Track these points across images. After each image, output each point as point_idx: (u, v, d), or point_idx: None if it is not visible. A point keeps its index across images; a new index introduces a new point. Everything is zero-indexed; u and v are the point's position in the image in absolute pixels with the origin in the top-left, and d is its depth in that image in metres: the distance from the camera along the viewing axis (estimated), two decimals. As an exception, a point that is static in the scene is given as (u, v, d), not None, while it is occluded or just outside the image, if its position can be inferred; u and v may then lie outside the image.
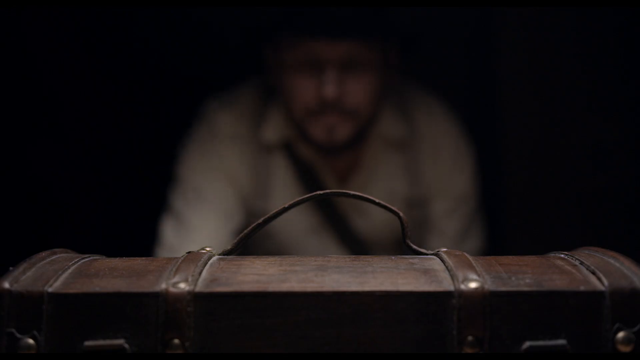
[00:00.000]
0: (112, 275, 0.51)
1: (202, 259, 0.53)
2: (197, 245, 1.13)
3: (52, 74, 1.47)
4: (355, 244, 1.24)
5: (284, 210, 0.57)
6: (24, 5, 1.31)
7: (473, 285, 0.49)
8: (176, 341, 0.48)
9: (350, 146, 1.19)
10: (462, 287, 0.49)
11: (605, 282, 0.50)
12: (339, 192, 0.59)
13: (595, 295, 0.49)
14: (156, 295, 0.48)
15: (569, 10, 1.51)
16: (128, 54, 1.55)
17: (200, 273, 0.51)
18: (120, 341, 0.48)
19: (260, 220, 0.57)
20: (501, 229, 1.55)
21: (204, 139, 1.24)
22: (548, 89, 1.60)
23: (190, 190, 1.21)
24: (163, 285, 0.49)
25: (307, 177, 1.23)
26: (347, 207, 1.25)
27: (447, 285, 0.49)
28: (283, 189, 1.23)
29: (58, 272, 0.51)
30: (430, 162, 1.27)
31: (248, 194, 1.23)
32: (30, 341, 0.48)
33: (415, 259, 0.55)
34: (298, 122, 1.17)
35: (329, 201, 1.24)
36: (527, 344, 0.48)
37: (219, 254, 0.57)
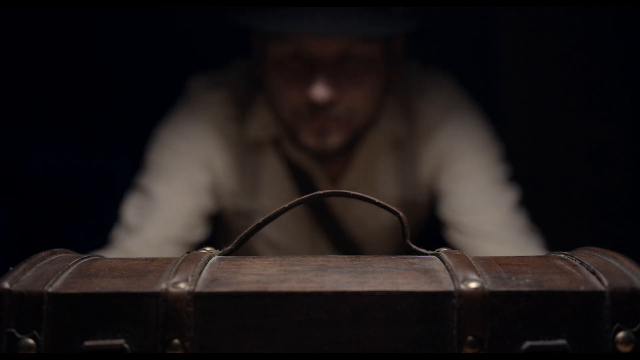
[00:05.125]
0: (112, 275, 0.51)
1: (202, 259, 0.53)
2: (161, 223, 1.06)
3: (35, 65, 1.46)
4: (352, 253, 1.17)
5: (284, 210, 0.57)
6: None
7: (473, 285, 0.49)
8: (176, 341, 0.48)
9: (344, 151, 1.07)
10: (462, 287, 0.49)
11: (605, 282, 0.50)
12: (340, 192, 0.58)
13: (595, 295, 0.49)
14: (156, 295, 0.48)
15: (569, 10, 1.51)
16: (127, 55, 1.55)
17: (200, 273, 0.51)
18: (120, 341, 0.48)
19: (260, 220, 0.57)
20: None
21: (182, 119, 1.13)
22: (548, 89, 1.61)
23: (158, 166, 1.10)
24: (163, 285, 0.49)
25: (297, 176, 1.13)
26: (342, 213, 1.16)
27: (447, 285, 0.49)
28: (271, 187, 1.14)
29: (58, 272, 0.51)
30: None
31: (232, 192, 1.14)
32: (30, 341, 0.48)
33: (415, 259, 0.55)
34: (286, 123, 1.05)
35: (324, 208, 1.15)
36: (527, 344, 0.48)
37: (219, 254, 0.57)
